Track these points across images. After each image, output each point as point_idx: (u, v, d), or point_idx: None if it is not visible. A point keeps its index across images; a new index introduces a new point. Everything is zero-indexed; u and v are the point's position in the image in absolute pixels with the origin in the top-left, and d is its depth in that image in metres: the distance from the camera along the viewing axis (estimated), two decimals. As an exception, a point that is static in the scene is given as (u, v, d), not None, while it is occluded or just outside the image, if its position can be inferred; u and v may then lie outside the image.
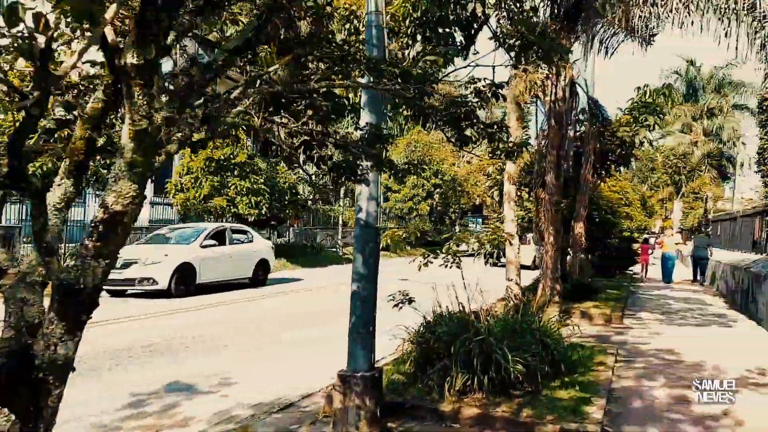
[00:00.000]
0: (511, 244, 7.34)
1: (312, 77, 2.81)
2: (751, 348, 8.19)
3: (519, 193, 12.23)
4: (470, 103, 3.64)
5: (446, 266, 7.39)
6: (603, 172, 12.23)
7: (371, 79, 3.56)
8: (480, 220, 38.43)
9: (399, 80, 3.25)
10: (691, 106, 40.93)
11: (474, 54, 6.57)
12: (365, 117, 5.32)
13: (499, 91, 3.76)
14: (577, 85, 11.17)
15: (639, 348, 8.22)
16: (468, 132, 3.79)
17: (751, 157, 36.46)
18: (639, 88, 11.38)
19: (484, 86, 3.78)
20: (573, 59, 11.22)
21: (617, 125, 11.75)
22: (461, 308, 7.20)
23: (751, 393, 5.97)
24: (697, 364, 7.24)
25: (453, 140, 3.88)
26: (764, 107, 8.73)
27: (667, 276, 18.78)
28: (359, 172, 3.82)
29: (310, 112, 3.07)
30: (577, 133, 11.62)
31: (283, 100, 2.83)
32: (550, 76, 10.95)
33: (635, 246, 24.60)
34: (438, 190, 32.08)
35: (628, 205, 19.07)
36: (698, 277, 18.54)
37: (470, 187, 33.06)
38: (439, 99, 3.62)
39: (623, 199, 18.64)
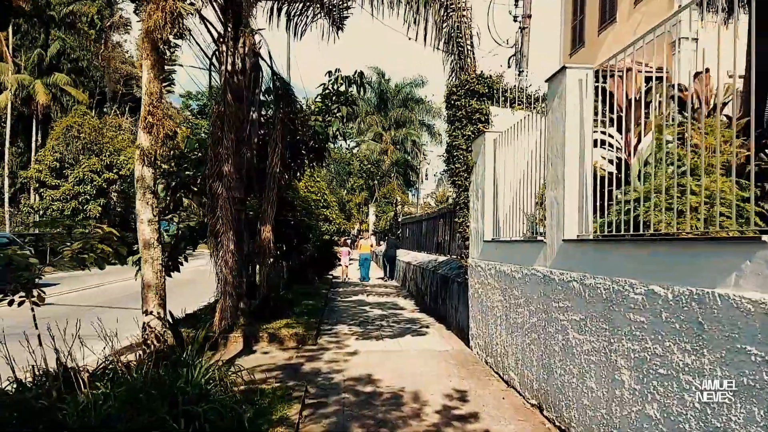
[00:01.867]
0: (144, 257, 4.72)
1: None
2: (446, 361, 7.39)
3: (195, 186, 9.66)
4: None
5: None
6: (295, 167, 10.65)
7: None
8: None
9: None
10: (382, 117, 44.84)
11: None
12: None
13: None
14: (261, 59, 9.24)
15: (333, 379, 6.60)
16: None
17: (428, 166, 41.53)
18: (330, 72, 10.12)
19: None
20: (257, 28, 9.27)
21: (308, 113, 10.30)
22: (59, 368, 4.32)
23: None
24: (397, 395, 5.90)
25: None
26: (452, 101, 8.28)
27: (364, 274, 20.26)
28: None
29: None
30: (263, 118, 9.71)
31: None
32: (225, 39, 8.77)
33: (336, 249, 24.74)
34: (114, 186, 26.67)
35: (326, 207, 18.39)
36: (388, 274, 20.93)
37: (159, 185, 28.48)
38: None
39: (321, 201, 17.85)
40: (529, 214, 6.67)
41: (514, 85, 8.32)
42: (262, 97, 9.59)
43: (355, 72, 10.12)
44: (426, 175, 47.00)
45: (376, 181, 40.41)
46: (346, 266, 21.86)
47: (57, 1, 37.22)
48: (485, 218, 7.37)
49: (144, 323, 4.69)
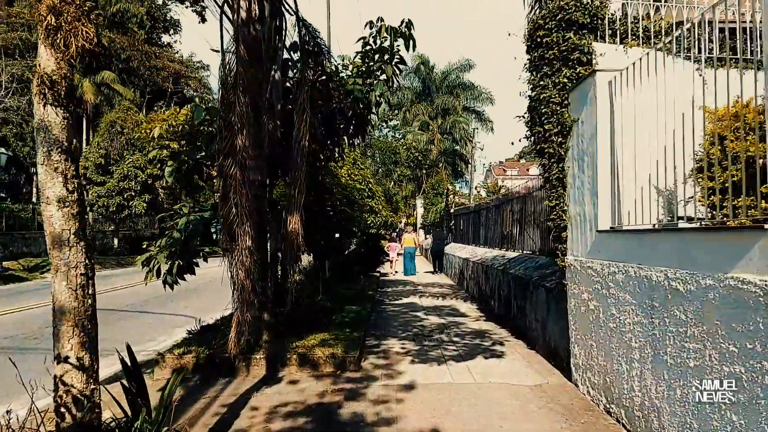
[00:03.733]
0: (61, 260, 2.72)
1: None
2: (545, 405, 5.12)
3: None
4: None
5: None
6: (331, 144, 8.61)
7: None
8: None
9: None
10: (428, 106, 42.46)
11: None
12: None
13: None
14: (283, 6, 7.21)
15: (381, 435, 4.51)
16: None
17: (482, 151, 38.81)
18: (371, 23, 7.99)
19: None
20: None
21: (345, 76, 8.21)
22: None
23: None
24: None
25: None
26: (537, 39, 6.02)
27: (410, 269, 19.80)
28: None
29: None
30: (289, 81, 7.70)
31: None
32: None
33: (383, 243, 22.76)
34: (160, 182, 25.54)
35: (371, 197, 16.34)
36: (437, 268, 20.85)
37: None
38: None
39: (366, 191, 15.80)
40: (664, 190, 4.40)
41: (624, 14, 5.94)
42: (286, 55, 7.58)
43: (402, 21, 7.95)
44: (474, 166, 44.32)
45: (423, 171, 38.09)
46: (394, 260, 21.65)
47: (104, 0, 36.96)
48: (599, 197, 5.07)
49: (55, 377, 2.71)
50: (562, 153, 5.90)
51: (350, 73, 8.24)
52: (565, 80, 5.77)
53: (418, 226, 37.37)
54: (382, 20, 7.96)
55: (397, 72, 8.26)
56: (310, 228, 9.37)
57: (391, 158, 33.16)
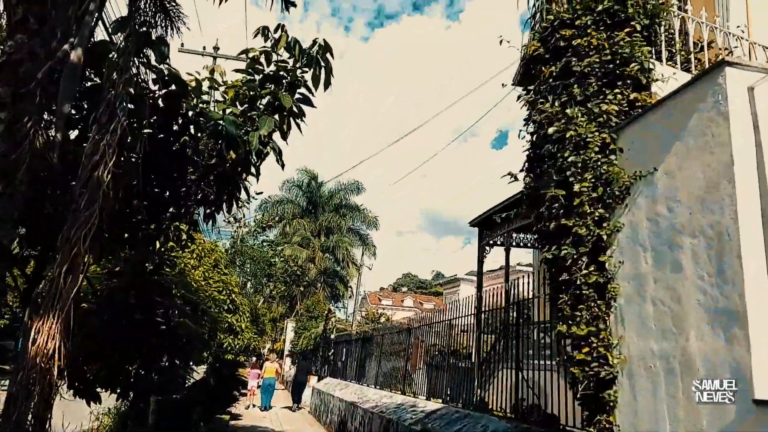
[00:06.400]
0: None
1: None
2: None
3: None
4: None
5: None
6: (174, 207, 5.20)
7: None
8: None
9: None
10: (311, 222, 39.99)
11: None
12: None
13: None
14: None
15: None
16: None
17: (370, 270, 36.30)
18: (265, 30, 5.17)
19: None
20: None
21: (215, 100, 5.15)
22: None
23: None
24: None
25: None
26: (557, 44, 3.67)
27: (266, 402, 18.09)
28: None
29: None
30: (91, 78, 4.41)
31: None
32: None
33: (243, 371, 18.47)
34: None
35: (233, 312, 12.54)
36: (296, 403, 19.17)
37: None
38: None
39: (228, 304, 12.05)
40: None
41: (683, 32, 3.79)
42: (113, 37, 4.43)
43: (315, 42, 5.25)
44: (352, 292, 41.50)
45: (300, 289, 34.34)
46: (253, 393, 18.92)
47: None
48: (750, 321, 2.26)
49: None
50: (604, 236, 3.15)
51: (222, 98, 5.19)
52: (614, 108, 3.22)
53: (286, 353, 32.75)
54: (283, 29, 5.18)
55: (298, 113, 5.36)
56: (112, 344, 5.57)
57: (265, 271, 29.29)
